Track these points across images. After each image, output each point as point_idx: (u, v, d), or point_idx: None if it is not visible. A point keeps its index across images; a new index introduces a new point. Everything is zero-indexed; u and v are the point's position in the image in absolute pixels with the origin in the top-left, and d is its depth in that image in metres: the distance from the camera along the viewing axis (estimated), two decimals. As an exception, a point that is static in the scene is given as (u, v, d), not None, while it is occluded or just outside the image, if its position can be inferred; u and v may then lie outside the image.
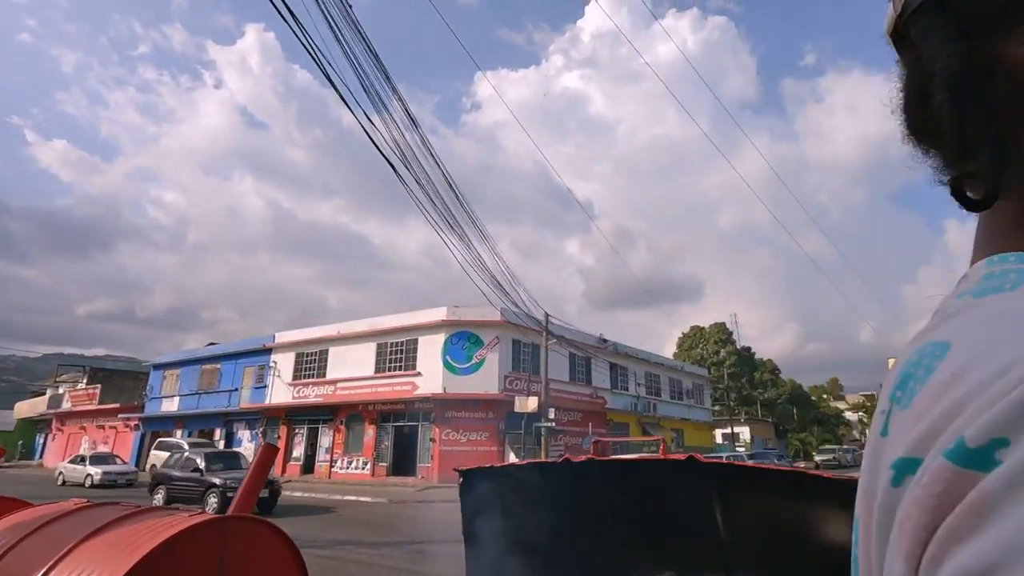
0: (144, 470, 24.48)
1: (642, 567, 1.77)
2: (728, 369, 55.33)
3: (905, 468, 0.27)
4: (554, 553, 1.86)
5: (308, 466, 28.06)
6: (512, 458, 23.71)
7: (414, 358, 26.16)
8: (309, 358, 29.92)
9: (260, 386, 31.20)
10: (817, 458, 43.17)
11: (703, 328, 60.22)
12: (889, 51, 0.45)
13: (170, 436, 28.72)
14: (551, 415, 21.85)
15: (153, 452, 24.88)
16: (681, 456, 1.51)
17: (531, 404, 21.82)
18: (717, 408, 46.93)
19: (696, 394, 41.44)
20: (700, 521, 1.58)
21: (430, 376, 25.22)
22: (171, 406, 35.10)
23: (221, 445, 29.98)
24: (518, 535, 1.89)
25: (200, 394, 33.82)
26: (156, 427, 34.13)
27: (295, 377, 29.98)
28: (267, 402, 30.14)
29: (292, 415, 29.24)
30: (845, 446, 56.27)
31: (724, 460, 1.50)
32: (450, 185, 10.81)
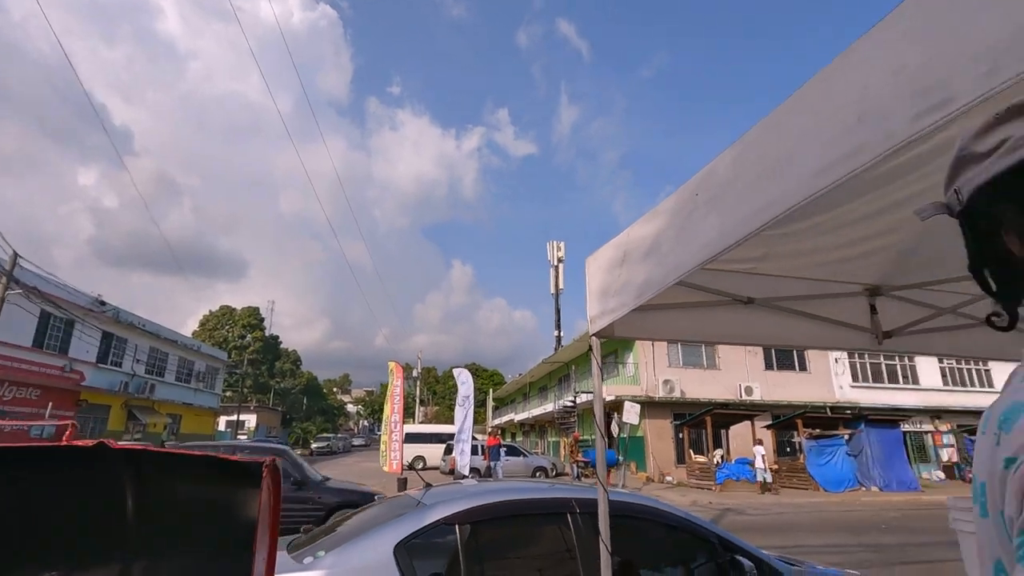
0: None
1: (19, 572, 1.52)
2: (251, 355, 54.12)
3: (1010, 462, 0.53)
4: None
5: None
6: None
7: None
8: None
9: None
10: (313, 445, 46.72)
11: (235, 309, 57.18)
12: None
13: None
14: (-15, 390, 16.01)
15: None
16: (90, 442, 1.39)
17: (-49, 373, 15.43)
18: (229, 394, 44.90)
19: (208, 378, 38.53)
20: (106, 510, 1.49)
21: None
22: None
23: None
24: None
25: None
26: None
27: None
28: None
29: None
30: (340, 435, 63.25)
31: (142, 447, 1.46)
32: None
